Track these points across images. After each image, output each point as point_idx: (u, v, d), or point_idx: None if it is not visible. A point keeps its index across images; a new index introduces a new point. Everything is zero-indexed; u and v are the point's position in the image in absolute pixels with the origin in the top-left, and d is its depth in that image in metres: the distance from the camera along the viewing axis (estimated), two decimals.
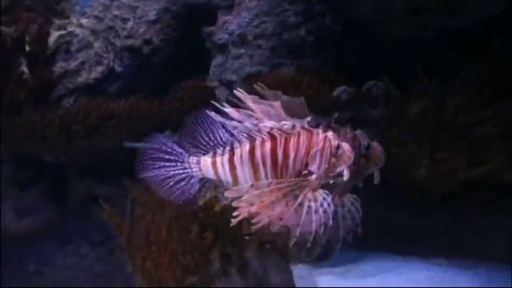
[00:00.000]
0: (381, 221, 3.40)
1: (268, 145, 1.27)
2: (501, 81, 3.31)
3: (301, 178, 1.26)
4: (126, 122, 2.48)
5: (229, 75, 3.27)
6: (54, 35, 3.28)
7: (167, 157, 1.41)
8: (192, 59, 3.42)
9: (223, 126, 1.34)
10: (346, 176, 1.28)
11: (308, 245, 1.26)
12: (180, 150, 1.41)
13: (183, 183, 1.39)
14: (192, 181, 1.39)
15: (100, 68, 3.28)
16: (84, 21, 3.36)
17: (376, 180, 1.32)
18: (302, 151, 1.27)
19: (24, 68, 2.84)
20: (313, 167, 1.27)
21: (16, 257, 3.00)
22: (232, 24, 3.27)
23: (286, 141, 1.26)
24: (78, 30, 3.33)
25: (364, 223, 1.37)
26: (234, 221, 1.24)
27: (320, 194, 1.26)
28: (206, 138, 1.37)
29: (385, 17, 3.85)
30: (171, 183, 1.40)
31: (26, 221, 2.89)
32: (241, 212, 1.23)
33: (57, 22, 3.45)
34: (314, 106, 2.76)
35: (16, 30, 2.75)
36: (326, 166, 1.28)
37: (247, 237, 2.09)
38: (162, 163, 1.42)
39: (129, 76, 3.36)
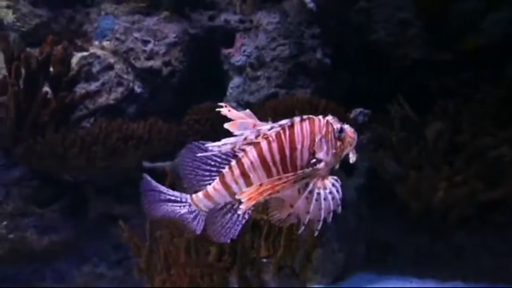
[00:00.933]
0: (398, 244, 3.38)
1: (274, 143, 1.25)
2: None
3: (311, 168, 1.25)
4: (145, 143, 2.52)
5: (247, 97, 3.31)
6: (76, 57, 3.37)
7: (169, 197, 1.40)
8: (210, 80, 3.47)
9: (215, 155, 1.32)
10: (353, 158, 1.28)
11: (316, 233, 1.26)
12: (178, 194, 1.39)
13: (195, 222, 1.37)
14: (198, 218, 1.37)
15: (120, 89, 3.35)
16: (105, 43, 3.45)
17: (352, 159, 1.30)
18: (308, 140, 1.26)
19: (48, 90, 2.91)
20: (321, 155, 1.26)
21: (33, 275, 3.03)
22: (249, 47, 3.33)
23: (291, 135, 1.25)
24: (99, 52, 3.41)
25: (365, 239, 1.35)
26: (243, 207, 1.22)
27: (330, 181, 1.26)
28: (207, 167, 1.34)
29: (400, 40, 3.89)
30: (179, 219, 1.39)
31: (46, 239, 2.92)
32: (252, 198, 1.22)
33: (80, 44, 3.55)
34: None
35: (41, 52, 2.83)
36: (334, 151, 1.27)
37: (265, 260, 2.09)
38: (165, 203, 1.40)
39: (148, 97, 3.43)
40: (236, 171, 1.28)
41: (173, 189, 1.40)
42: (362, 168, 3.14)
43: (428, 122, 3.48)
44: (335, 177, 1.28)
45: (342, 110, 2.98)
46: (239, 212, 1.27)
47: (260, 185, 1.24)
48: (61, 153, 2.53)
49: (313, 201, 1.25)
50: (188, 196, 1.36)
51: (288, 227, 1.92)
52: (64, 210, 3.02)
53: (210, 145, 1.26)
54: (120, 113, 3.38)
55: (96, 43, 3.49)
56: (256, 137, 1.25)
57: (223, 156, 1.31)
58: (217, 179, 1.30)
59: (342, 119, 1.32)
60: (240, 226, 1.32)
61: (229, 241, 1.33)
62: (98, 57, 3.38)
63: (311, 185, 1.25)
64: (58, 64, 2.87)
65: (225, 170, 1.29)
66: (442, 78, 4.05)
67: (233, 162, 1.28)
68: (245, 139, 1.24)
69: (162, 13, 3.48)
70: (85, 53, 3.43)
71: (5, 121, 2.88)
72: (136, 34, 3.37)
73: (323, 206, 1.24)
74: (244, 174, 1.28)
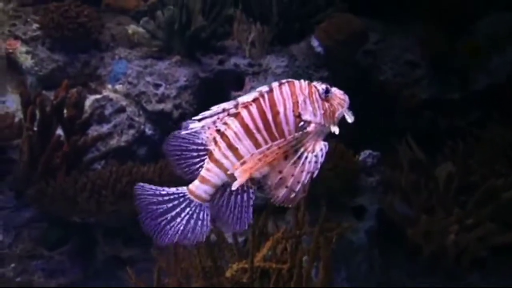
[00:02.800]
0: (411, 287, 3.30)
1: (254, 109, 1.21)
2: None
3: (300, 132, 1.21)
4: None
5: None
6: (90, 99, 3.46)
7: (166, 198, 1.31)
8: None
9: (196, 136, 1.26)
10: (350, 118, 1.27)
11: (293, 195, 1.21)
12: (172, 189, 1.32)
13: (192, 221, 1.29)
14: (202, 214, 1.28)
15: (131, 131, 3.41)
16: (118, 86, 3.54)
17: (350, 119, 1.28)
18: (289, 102, 1.22)
19: (61, 133, 2.97)
20: (307, 116, 1.23)
21: None
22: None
23: (271, 99, 1.21)
24: (112, 95, 3.50)
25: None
26: (236, 184, 1.18)
27: (319, 145, 1.23)
28: (194, 155, 1.27)
29: (408, 80, 3.94)
30: (181, 227, 1.29)
31: (54, 282, 2.91)
32: (246, 171, 1.17)
33: (94, 87, 3.65)
34: (340, 172, 2.79)
35: (56, 96, 2.91)
36: (322, 111, 1.24)
37: None
38: (162, 208, 1.31)
39: (158, 139, 3.48)
40: (223, 145, 1.24)
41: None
42: (372, 211, 3.12)
43: (438, 163, 3.46)
44: (326, 143, 1.25)
45: (351, 153, 2.99)
46: (233, 188, 1.21)
47: (252, 155, 1.20)
48: (72, 196, 2.56)
49: (300, 164, 1.21)
50: (185, 188, 1.30)
51: (297, 274, 1.89)
52: (72, 253, 3.02)
53: (190, 123, 1.23)
54: (131, 154, 3.43)
55: (109, 86, 3.59)
56: (236, 107, 1.21)
57: (207, 136, 1.25)
58: (207, 159, 1.26)
59: (330, 84, 1.29)
60: (250, 206, 1.26)
61: (246, 227, 1.26)
62: (111, 100, 3.47)
63: (301, 149, 1.21)
64: (72, 107, 2.94)
65: (212, 147, 1.25)
66: (451, 117, 4.06)
67: (218, 137, 1.24)
68: (224, 111, 1.21)
69: (174, 57, 3.58)
70: (98, 96, 3.52)
71: (18, 163, 2.94)
72: (148, 78, 3.46)
73: (305, 168, 1.20)
74: (231, 147, 1.23)
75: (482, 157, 3.48)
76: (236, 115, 1.22)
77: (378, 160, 3.24)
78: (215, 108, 1.22)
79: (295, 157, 1.21)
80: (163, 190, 1.33)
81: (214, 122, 1.23)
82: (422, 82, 3.92)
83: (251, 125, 1.22)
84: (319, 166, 1.22)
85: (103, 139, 3.26)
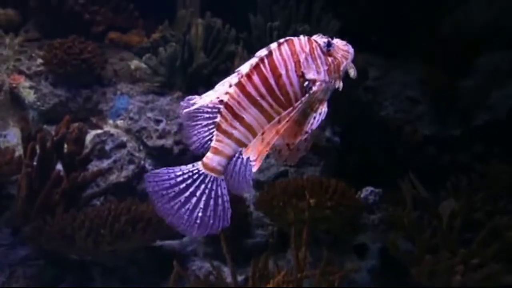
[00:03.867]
0: None
1: (255, 76, 1.17)
2: None
3: (307, 95, 1.16)
4: (154, 226, 2.50)
5: (256, 175, 3.32)
6: (91, 135, 3.47)
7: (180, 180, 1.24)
8: None
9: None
10: (353, 73, 1.21)
11: (298, 154, 1.20)
12: (186, 167, 1.26)
13: (211, 200, 1.22)
14: (220, 189, 1.23)
15: (131, 167, 3.40)
16: (119, 122, 3.55)
17: (353, 74, 1.22)
18: (291, 63, 1.17)
19: (61, 169, 2.96)
20: (311, 74, 1.18)
21: None
22: None
23: (271, 62, 1.17)
24: (113, 130, 3.51)
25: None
26: (255, 165, 1.14)
27: (324, 105, 1.19)
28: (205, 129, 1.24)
29: (409, 116, 3.95)
30: (201, 211, 1.22)
31: None
32: (261, 152, 1.14)
33: (95, 122, 3.66)
34: (342, 210, 2.74)
35: (57, 133, 2.91)
36: (326, 67, 1.18)
37: None
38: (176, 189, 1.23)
39: None
40: (229, 116, 1.21)
41: None
42: (374, 249, 3.05)
43: (441, 199, 3.42)
44: (326, 109, 1.20)
45: (353, 190, 2.95)
46: (254, 170, 1.18)
47: (262, 133, 1.16)
48: (69, 234, 2.52)
49: (307, 125, 1.18)
50: (199, 162, 1.26)
51: None
52: None
53: (197, 99, 1.21)
54: (130, 190, 3.40)
55: (111, 121, 3.60)
56: (238, 78, 1.19)
57: (216, 108, 1.23)
58: (215, 131, 1.23)
59: (331, 36, 1.23)
60: (251, 170, 1.22)
61: (250, 189, 1.22)
62: (112, 135, 3.47)
63: (309, 111, 1.18)
64: (72, 143, 2.94)
65: (218, 119, 1.22)
66: (453, 153, 4.05)
67: (222, 108, 1.21)
68: (230, 86, 1.18)
69: (175, 93, 3.61)
70: (99, 131, 3.52)
71: (16, 199, 2.91)
72: (149, 114, 3.47)
73: (312, 127, 1.18)
74: (237, 117, 1.20)
75: (486, 193, 3.43)
76: (238, 85, 1.19)
77: (380, 197, 3.20)
78: (219, 85, 1.21)
79: (305, 120, 1.18)
80: (177, 171, 1.26)
81: (218, 96, 1.21)
82: (423, 118, 3.93)
83: (253, 93, 1.19)
84: (319, 124, 1.19)
85: (103, 174, 3.24)
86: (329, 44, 1.19)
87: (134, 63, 3.98)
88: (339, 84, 1.20)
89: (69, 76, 3.67)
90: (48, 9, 4.09)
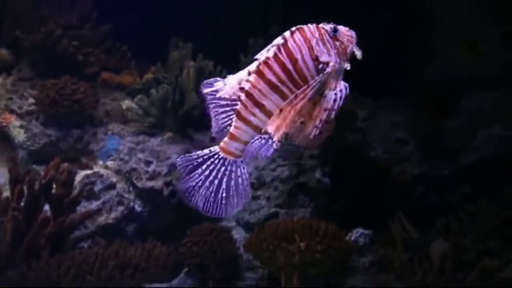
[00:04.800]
0: None
1: (274, 63, 1.24)
2: None
3: (321, 75, 1.24)
4: (142, 272, 2.46)
5: (247, 216, 3.31)
6: (80, 175, 3.44)
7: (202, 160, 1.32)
8: None
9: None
10: (359, 54, 1.28)
11: (318, 135, 1.23)
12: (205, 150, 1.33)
13: (232, 181, 1.30)
14: (239, 169, 1.30)
15: (120, 208, 3.37)
16: (110, 163, 3.54)
17: (359, 55, 1.29)
18: (305, 48, 1.25)
19: (48, 212, 2.92)
20: (324, 57, 1.25)
21: None
22: (250, 167, 3.40)
23: (287, 49, 1.24)
24: (103, 171, 3.49)
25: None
26: (276, 139, 1.20)
27: (341, 84, 1.26)
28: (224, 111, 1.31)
29: (397, 157, 4.00)
30: (224, 192, 1.31)
31: None
32: (280, 126, 1.20)
33: (85, 162, 3.65)
34: (332, 253, 2.73)
35: (45, 175, 2.89)
36: (335, 50, 1.26)
37: None
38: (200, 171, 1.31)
39: (148, 216, 3.43)
40: (249, 104, 1.26)
41: None
42: None
43: (431, 240, 3.42)
44: (346, 84, 1.27)
45: (343, 233, 2.95)
46: (275, 146, 1.24)
47: (280, 110, 1.22)
48: (55, 280, 2.46)
49: (324, 103, 1.24)
50: (216, 146, 1.32)
51: None
52: None
53: (219, 82, 1.28)
54: (119, 231, 3.35)
55: (101, 162, 3.59)
56: (257, 66, 1.25)
57: (236, 95, 1.28)
58: (235, 117, 1.28)
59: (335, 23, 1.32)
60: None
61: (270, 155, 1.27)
62: (101, 176, 3.45)
63: (326, 91, 1.25)
64: (61, 185, 2.91)
65: (239, 107, 1.27)
66: (442, 193, 4.08)
67: (243, 96, 1.26)
68: (249, 73, 1.25)
69: (166, 134, 3.63)
70: (89, 172, 3.51)
71: (0, 243, 2.85)
72: (140, 155, 3.47)
73: (329, 106, 1.23)
74: (258, 104, 1.26)
75: (476, 234, 3.45)
76: (257, 72, 1.26)
77: (370, 239, 3.20)
78: (240, 72, 1.28)
79: (321, 99, 1.26)
80: (196, 155, 1.34)
81: (239, 82, 1.27)
82: (412, 159, 3.97)
83: (274, 80, 1.25)
84: (341, 103, 1.26)
85: (91, 216, 3.20)
86: (335, 30, 1.29)
87: (126, 103, 4.02)
88: (347, 65, 1.30)
89: (60, 116, 3.68)
90: (42, 50, 4.14)
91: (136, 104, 3.74)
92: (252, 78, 1.26)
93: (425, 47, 4.20)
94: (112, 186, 3.42)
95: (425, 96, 4.00)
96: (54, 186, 3.00)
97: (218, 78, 1.32)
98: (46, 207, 2.96)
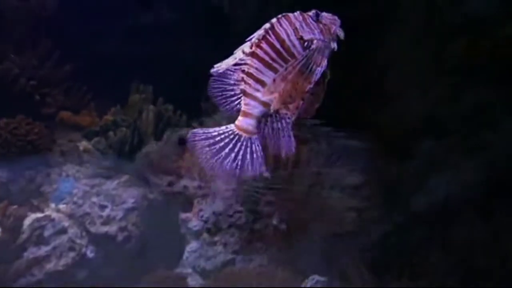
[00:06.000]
0: None
1: (265, 45, 1.41)
2: None
3: (307, 50, 1.40)
4: None
5: (203, 263, 3.26)
6: (29, 218, 3.31)
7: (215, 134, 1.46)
8: (167, 245, 3.43)
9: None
10: (342, 35, 1.43)
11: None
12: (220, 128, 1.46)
13: (247, 155, 1.44)
14: (254, 146, 1.44)
15: (71, 254, 3.24)
16: (62, 206, 3.43)
17: (342, 35, 1.44)
18: (290, 29, 1.41)
19: None
20: (308, 35, 1.41)
21: None
22: (207, 212, 3.38)
23: (274, 32, 1.41)
24: (54, 215, 3.37)
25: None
26: (274, 106, 1.38)
27: (324, 61, 1.41)
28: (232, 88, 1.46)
29: (352, 203, 4.07)
30: (239, 162, 1.44)
31: None
32: (273, 92, 1.38)
33: (36, 204, 3.52)
34: None
35: None
36: (319, 30, 1.42)
37: None
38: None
39: (100, 262, 3.31)
40: (251, 81, 1.43)
41: None
42: None
43: (390, 284, 3.46)
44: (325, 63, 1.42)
45: (299, 280, 2.95)
46: (272, 109, 1.41)
47: (274, 80, 1.41)
48: None
49: (312, 78, 1.41)
50: (232, 125, 1.46)
51: None
52: None
53: (217, 66, 1.43)
54: (68, 278, 3.21)
55: (53, 205, 3.47)
56: (251, 47, 1.42)
57: (236, 77, 1.45)
58: (243, 96, 1.45)
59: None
60: (290, 131, 1.43)
61: (293, 150, 1.43)
62: (53, 220, 3.33)
63: (313, 66, 1.41)
64: (7, 231, 2.79)
65: (243, 85, 1.44)
66: (398, 237, 4.15)
67: (244, 76, 1.44)
68: (243, 52, 1.41)
69: (123, 176, 3.58)
70: (39, 215, 3.37)
71: None
72: (94, 199, 3.39)
73: (316, 79, 1.40)
74: (258, 81, 1.43)
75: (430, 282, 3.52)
76: (253, 55, 1.43)
77: (326, 286, 3.20)
78: (236, 51, 1.43)
79: (309, 73, 1.42)
80: (214, 131, 1.47)
81: (235, 64, 1.43)
82: (366, 205, 4.05)
83: (267, 58, 1.43)
84: (319, 75, 1.41)
85: (39, 263, 3.06)
86: (317, 14, 1.47)
87: (83, 144, 3.95)
88: (334, 45, 1.46)
89: (13, 157, 3.57)
90: None
91: (93, 146, 3.69)
92: (249, 60, 1.44)
93: (380, 93, 4.36)
94: (63, 231, 3.30)
95: (380, 139, 4.13)
96: (0, 230, 2.88)
97: (219, 63, 1.47)
98: None
